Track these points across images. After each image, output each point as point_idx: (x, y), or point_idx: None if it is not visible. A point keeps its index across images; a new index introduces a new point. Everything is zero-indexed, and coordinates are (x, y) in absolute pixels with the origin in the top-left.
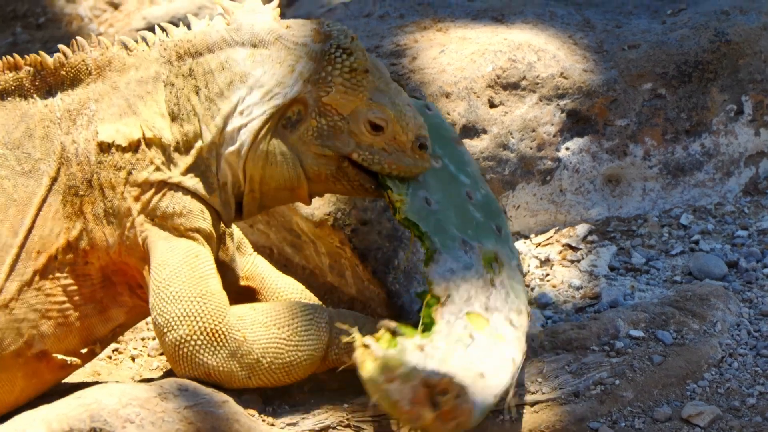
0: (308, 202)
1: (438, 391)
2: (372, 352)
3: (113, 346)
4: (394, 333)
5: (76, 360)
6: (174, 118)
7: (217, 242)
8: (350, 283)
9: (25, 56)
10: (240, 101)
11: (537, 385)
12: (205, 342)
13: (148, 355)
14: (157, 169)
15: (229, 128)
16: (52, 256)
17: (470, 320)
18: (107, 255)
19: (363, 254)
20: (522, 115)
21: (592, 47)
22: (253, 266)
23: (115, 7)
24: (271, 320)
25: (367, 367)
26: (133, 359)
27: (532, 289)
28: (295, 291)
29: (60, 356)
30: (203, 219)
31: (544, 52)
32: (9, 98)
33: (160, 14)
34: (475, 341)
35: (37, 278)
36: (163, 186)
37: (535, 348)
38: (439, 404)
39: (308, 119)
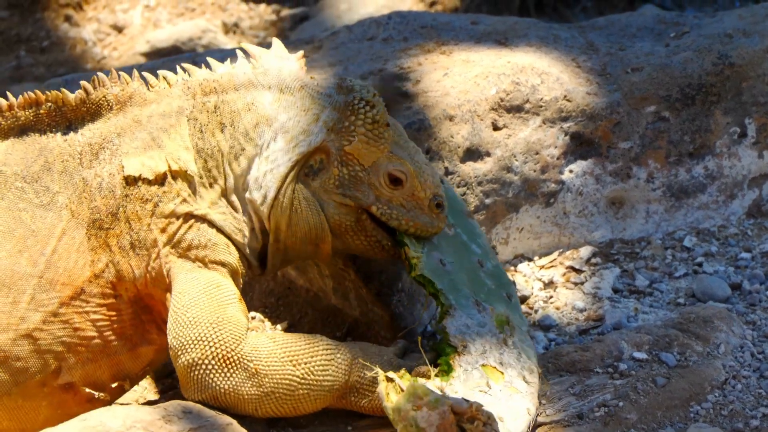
0: (328, 260)
1: (466, 418)
2: (397, 385)
3: None
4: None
5: (104, 395)
6: (198, 152)
7: (242, 281)
8: (354, 306)
9: (47, 92)
10: (265, 145)
11: (540, 408)
12: (216, 367)
13: (153, 378)
14: (184, 201)
15: (254, 173)
16: (78, 288)
17: (486, 371)
18: (134, 286)
19: (367, 276)
20: (525, 137)
21: (595, 70)
22: None
23: (119, 30)
24: (288, 356)
25: (392, 398)
26: None
27: (536, 312)
28: None
29: (88, 389)
30: (229, 253)
31: (547, 75)
32: (29, 133)
33: (164, 38)
34: (492, 389)
35: (63, 309)
36: (189, 218)
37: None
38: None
39: (330, 168)
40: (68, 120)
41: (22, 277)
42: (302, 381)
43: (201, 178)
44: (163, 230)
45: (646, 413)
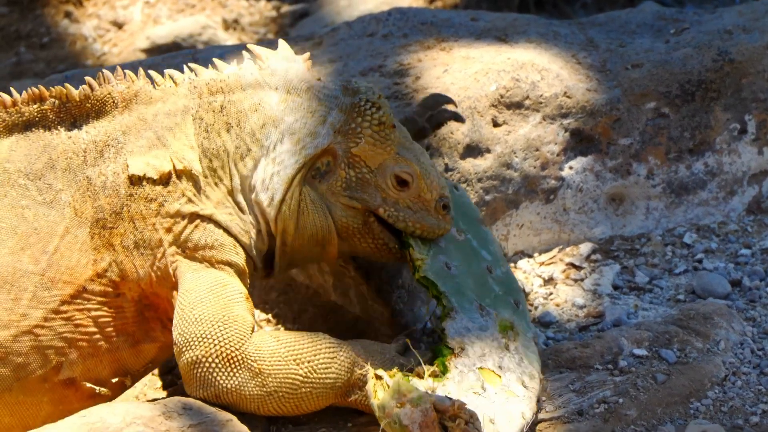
0: (334, 263)
1: (448, 416)
2: (384, 382)
3: None
4: (409, 371)
5: (105, 390)
6: (204, 151)
7: (248, 281)
8: (354, 302)
9: (51, 88)
10: (271, 146)
11: (540, 404)
12: (219, 366)
13: (153, 375)
14: (189, 200)
15: (260, 174)
16: (80, 287)
17: (483, 374)
18: (138, 286)
19: (367, 273)
20: (525, 134)
21: (595, 66)
22: None
23: (119, 27)
24: (291, 355)
25: (379, 395)
26: None
27: (536, 308)
28: None
29: (89, 384)
30: (235, 253)
31: (547, 72)
32: (33, 129)
33: (164, 34)
34: (486, 392)
35: (65, 307)
36: (195, 218)
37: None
38: (449, 430)
39: (337, 170)
40: (73, 116)
41: (24, 275)
42: (305, 380)
43: (206, 177)
44: (168, 230)
45: (646, 410)
